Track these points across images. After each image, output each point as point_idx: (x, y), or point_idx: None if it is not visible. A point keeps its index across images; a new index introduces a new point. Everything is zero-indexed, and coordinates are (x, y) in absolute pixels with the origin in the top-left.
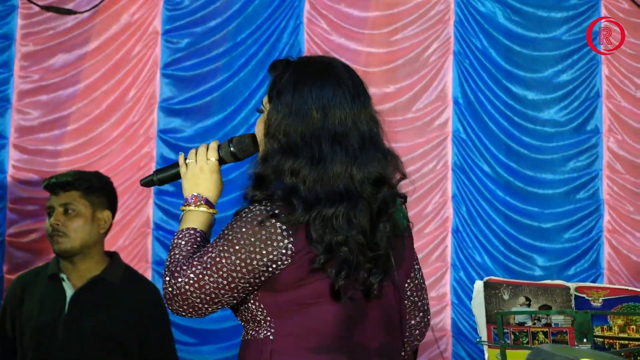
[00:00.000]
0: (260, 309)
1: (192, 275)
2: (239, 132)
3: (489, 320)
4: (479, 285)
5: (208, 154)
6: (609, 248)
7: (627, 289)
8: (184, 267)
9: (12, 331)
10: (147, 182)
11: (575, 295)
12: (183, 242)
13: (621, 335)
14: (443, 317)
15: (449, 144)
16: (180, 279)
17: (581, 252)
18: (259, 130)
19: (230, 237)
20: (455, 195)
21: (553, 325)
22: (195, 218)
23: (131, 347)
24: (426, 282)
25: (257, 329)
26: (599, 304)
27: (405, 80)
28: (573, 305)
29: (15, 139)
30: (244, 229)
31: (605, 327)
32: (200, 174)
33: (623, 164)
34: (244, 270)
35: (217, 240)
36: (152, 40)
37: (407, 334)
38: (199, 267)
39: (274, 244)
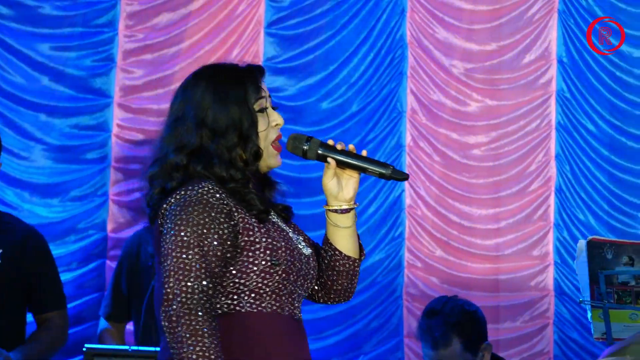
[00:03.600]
0: None
1: None
2: (341, 90)
3: (592, 280)
4: (582, 244)
5: None
6: None
7: None
8: None
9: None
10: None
11: None
12: None
13: None
14: (545, 277)
15: (552, 102)
16: None
17: None
18: None
19: None
20: (559, 154)
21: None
22: None
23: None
24: (529, 241)
25: None
26: None
27: (509, 39)
28: None
29: (119, 98)
30: None
31: None
32: None
33: None
34: None
35: None
36: (255, 0)
37: None
38: None
39: None
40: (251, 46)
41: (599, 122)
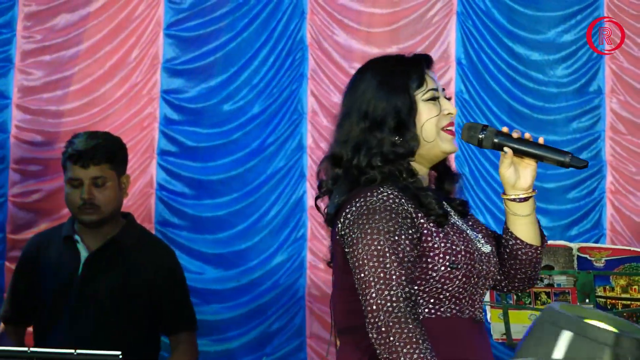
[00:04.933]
0: None
1: None
2: (242, 93)
3: None
4: None
5: None
6: (612, 209)
7: (630, 250)
8: None
9: (26, 292)
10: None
11: (577, 255)
12: None
13: (623, 295)
14: None
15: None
16: None
17: (584, 213)
18: None
19: None
20: (458, 155)
21: (555, 286)
22: None
23: (145, 309)
24: None
25: None
26: (602, 265)
27: (408, 41)
28: (575, 266)
29: (18, 99)
30: None
31: (607, 287)
32: None
33: (626, 125)
34: None
35: None
36: (155, 1)
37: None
38: None
39: None
40: (150, 47)
41: (496, 124)
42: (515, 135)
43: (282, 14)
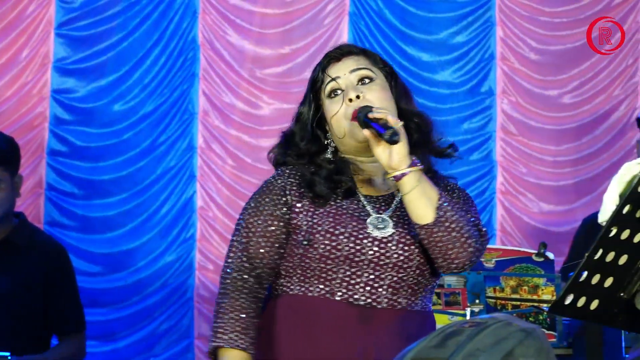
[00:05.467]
0: None
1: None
2: (133, 92)
3: None
4: None
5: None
6: (502, 209)
7: (520, 250)
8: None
9: None
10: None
11: None
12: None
13: (513, 296)
14: None
15: None
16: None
17: None
18: (385, 99)
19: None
20: None
21: (446, 287)
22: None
23: (37, 309)
24: None
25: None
26: (492, 265)
27: (300, 42)
28: None
29: None
30: None
31: (497, 288)
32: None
33: (516, 126)
34: None
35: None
36: (46, 0)
37: None
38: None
39: None
40: (41, 47)
41: None
42: (376, 115)
43: (174, 14)
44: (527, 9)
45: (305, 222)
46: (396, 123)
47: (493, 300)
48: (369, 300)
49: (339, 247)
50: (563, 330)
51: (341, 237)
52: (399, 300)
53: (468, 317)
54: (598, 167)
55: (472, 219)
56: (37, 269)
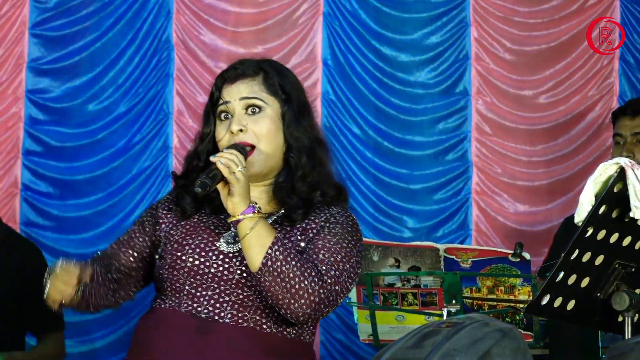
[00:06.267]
0: None
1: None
2: (107, 92)
3: (359, 282)
4: None
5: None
6: (477, 210)
7: (496, 251)
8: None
9: None
10: (203, 186)
11: (444, 256)
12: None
13: (490, 296)
14: None
15: (318, 105)
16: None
17: (450, 214)
18: (269, 131)
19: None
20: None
21: (422, 287)
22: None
23: (12, 309)
24: None
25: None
26: (468, 266)
27: (274, 41)
28: (442, 267)
29: None
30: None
31: (474, 288)
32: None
33: (491, 126)
34: None
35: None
36: (20, 0)
37: None
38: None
39: None
40: (15, 47)
41: (363, 125)
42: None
43: (147, 14)
44: (501, 10)
45: (163, 234)
46: (224, 168)
47: (470, 301)
48: (211, 313)
49: (184, 257)
50: (540, 331)
51: (187, 248)
52: (246, 318)
53: (445, 318)
54: (573, 167)
55: (320, 268)
56: (11, 269)
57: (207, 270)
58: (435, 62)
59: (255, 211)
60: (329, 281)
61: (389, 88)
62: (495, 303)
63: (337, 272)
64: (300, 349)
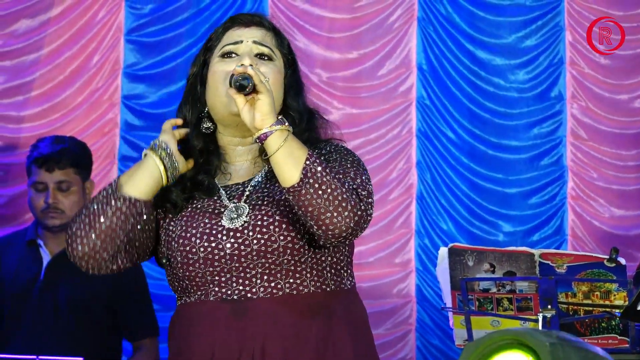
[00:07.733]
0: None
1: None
2: None
3: (454, 287)
4: (443, 251)
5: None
6: (573, 215)
7: (591, 256)
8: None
9: None
10: (246, 82)
11: (539, 261)
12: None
13: (585, 301)
14: (408, 284)
15: (413, 110)
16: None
17: (545, 219)
18: (274, 82)
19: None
20: (420, 161)
21: (517, 292)
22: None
23: (107, 314)
24: (391, 248)
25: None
26: (563, 271)
27: (369, 47)
28: (537, 272)
29: None
30: None
31: (569, 293)
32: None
33: (587, 131)
34: None
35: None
36: (116, 6)
37: None
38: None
39: None
40: (111, 53)
41: (458, 130)
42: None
43: None
44: (596, 14)
45: (163, 232)
46: (256, 76)
47: (565, 306)
48: (243, 292)
49: (194, 250)
50: (636, 336)
51: (193, 238)
52: (279, 286)
53: (540, 323)
54: None
55: (351, 182)
56: (105, 275)
57: (222, 253)
58: (530, 65)
59: (286, 123)
60: (364, 193)
61: (483, 92)
62: (590, 308)
63: (363, 185)
64: (345, 299)
